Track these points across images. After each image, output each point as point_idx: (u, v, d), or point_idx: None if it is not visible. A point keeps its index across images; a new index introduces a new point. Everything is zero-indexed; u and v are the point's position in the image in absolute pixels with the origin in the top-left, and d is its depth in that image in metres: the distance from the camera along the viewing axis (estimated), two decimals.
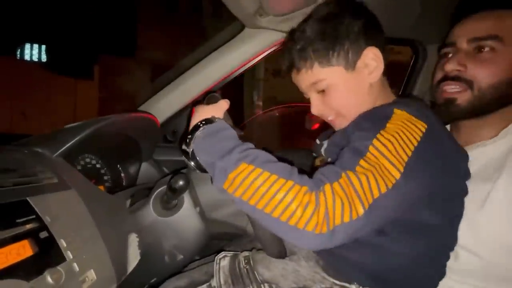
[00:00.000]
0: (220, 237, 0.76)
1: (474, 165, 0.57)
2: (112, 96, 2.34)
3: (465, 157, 0.57)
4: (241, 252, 0.66)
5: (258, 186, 0.43)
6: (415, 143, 0.47)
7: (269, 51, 0.96)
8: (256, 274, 0.60)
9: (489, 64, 0.56)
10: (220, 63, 0.96)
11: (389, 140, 0.46)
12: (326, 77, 0.57)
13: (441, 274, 0.57)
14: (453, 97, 0.59)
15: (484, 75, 0.57)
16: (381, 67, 0.58)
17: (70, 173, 0.50)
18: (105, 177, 0.75)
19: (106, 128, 0.63)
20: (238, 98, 3.12)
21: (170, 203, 0.61)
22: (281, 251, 0.59)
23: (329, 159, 0.63)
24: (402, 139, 0.47)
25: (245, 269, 0.62)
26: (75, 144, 0.55)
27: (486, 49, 0.56)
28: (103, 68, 2.53)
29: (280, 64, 0.63)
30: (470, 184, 0.56)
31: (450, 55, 0.61)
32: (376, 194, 0.43)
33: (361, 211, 0.42)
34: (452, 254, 0.57)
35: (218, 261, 0.65)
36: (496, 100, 0.57)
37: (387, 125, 0.49)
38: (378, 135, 0.47)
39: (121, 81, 2.37)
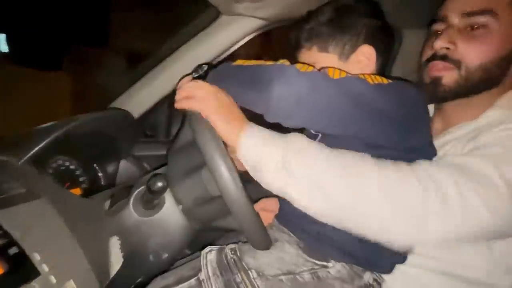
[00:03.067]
0: (206, 231, 0.76)
1: (454, 143, 0.57)
2: (85, 88, 2.21)
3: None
4: (227, 245, 0.67)
5: None
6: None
7: (247, 38, 0.93)
8: (243, 263, 0.61)
9: (480, 43, 0.54)
10: (196, 52, 0.92)
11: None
12: (320, 61, 0.60)
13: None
14: (439, 75, 0.58)
15: (473, 54, 0.55)
16: (371, 66, 0.61)
17: (39, 180, 0.47)
18: (81, 179, 0.72)
19: (77, 128, 0.60)
20: None
21: (151, 203, 0.59)
22: (267, 243, 0.59)
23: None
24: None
25: (232, 259, 0.62)
26: (43, 148, 0.52)
27: (479, 25, 0.54)
28: (75, 59, 2.37)
29: (289, 38, 0.66)
30: None
31: (441, 32, 0.59)
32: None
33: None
34: None
35: (205, 256, 0.65)
36: (483, 81, 0.56)
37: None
38: None
39: (94, 71, 2.24)
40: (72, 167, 0.70)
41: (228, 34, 0.90)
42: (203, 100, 0.50)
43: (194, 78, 0.60)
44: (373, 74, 0.53)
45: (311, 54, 0.61)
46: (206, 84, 0.53)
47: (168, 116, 1.03)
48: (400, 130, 0.51)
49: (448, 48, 0.57)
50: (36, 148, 0.50)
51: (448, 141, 0.60)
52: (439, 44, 0.57)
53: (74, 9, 2.27)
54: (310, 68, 0.48)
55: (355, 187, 0.44)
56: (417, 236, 0.46)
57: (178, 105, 0.53)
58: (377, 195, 0.44)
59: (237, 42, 0.92)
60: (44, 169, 0.62)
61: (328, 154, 0.47)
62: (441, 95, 0.59)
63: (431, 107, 0.72)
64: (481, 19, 0.54)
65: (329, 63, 0.59)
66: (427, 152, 0.58)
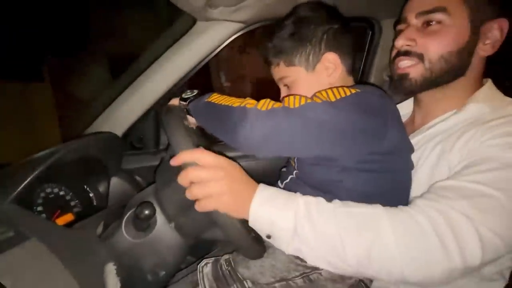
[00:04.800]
0: (201, 244, 0.77)
1: (440, 138, 0.59)
2: (68, 97, 2.15)
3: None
4: (222, 255, 0.68)
5: None
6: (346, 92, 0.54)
7: (226, 42, 0.92)
8: (238, 274, 0.63)
9: (437, 36, 0.58)
10: (176, 61, 0.91)
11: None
12: (289, 75, 0.64)
13: None
14: (406, 72, 0.61)
15: (433, 47, 0.59)
16: (338, 70, 0.63)
17: (27, 219, 0.47)
18: (72, 203, 0.72)
19: (63, 157, 0.60)
20: (206, 82, 3.00)
21: (142, 225, 0.60)
22: (259, 252, 0.61)
23: None
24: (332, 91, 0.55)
25: (227, 271, 0.64)
26: (29, 183, 0.52)
27: (434, 22, 0.58)
28: (55, 67, 2.30)
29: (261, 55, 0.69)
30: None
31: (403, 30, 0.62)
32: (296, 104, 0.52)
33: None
34: None
35: (201, 269, 0.66)
36: (446, 72, 0.59)
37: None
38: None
39: (76, 79, 2.19)
40: (61, 193, 0.70)
41: (206, 40, 0.88)
42: (213, 198, 0.49)
43: (182, 100, 0.61)
44: (338, 86, 0.55)
45: (280, 69, 0.65)
46: (207, 170, 0.49)
47: (155, 126, 1.02)
48: (368, 139, 0.53)
49: (409, 45, 0.60)
50: (21, 187, 0.50)
51: (432, 137, 0.61)
52: (400, 43, 0.61)
53: (49, 16, 2.18)
54: (271, 104, 0.50)
55: (372, 247, 0.45)
56: (439, 278, 0.45)
57: (197, 208, 0.51)
58: (393, 248, 0.44)
59: (217, 47, 0.91)
60: (32, 201, 0.62)
61: (340, 215, 0.47)
62: (410, 89, 0.63)
63: (410, 103, 0.73)
64: (435, 16, 0.58)
65: (298, 76, 0.63)
66: (404, 151, 0.60)
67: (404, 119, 0.73)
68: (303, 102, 0.50)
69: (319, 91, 0.55)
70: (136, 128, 0.99)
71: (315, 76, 0.63)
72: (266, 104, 0.51)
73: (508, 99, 0.60)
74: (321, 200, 0.49)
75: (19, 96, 2.07)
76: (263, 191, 0.50)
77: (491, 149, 0.50)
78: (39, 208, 0.63)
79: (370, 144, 0.53)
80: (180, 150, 0.51)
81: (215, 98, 0.56)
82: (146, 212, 0.52)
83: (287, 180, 0.66)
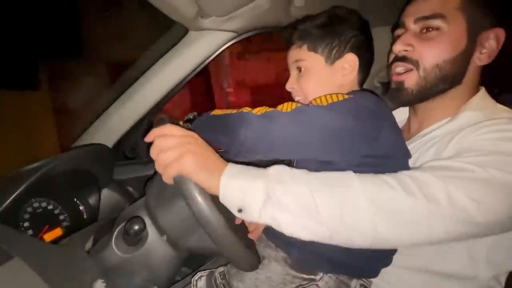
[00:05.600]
0: (194, 257, 0.76)
1: (433, 144, 0.59)
2: (66, 103, 2.12)
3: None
4: (217, 268, 0.67)
5: None
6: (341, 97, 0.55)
7: (219, 51, 0.92)
8: (232, 287, 0.61)
9: (434, 43, 0.58)
10: (168, 70, 0.91)
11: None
12: (308, 59, 0.64)
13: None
14: (401, 80, 0.62)
15: (429, 54, 0.59)
16: (353, 74, 0.64)
17: (10, 239, 0.46)
18: (61, 217, 0.70)
19: (51, 170, 0.58)
20: (207, 86, 3.00)
21: (132, 240, 0.59)
22: (252, 265, 0.59)
23: None
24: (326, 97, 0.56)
25: (221, 284, 0.63)
26: (15, 199, 0.50)
27: (432, 28, 0.58)
28: (52, 75, 2.26)
29: (282, 35, 0.70)
30: None
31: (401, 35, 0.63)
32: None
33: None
34: None
35: (195, 283, 0.65)
36: (441, 80, 0.59)
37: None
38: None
39: (74, 86, 2.16)
40: (50, 207, 0.68)
41: (198, 49, 0.88)
42: (178, 160, 0.48)
43: (185, 122, 0.62)
44: (334, 93, 0.55)
45: (300, 52, 0.65)
46: (174, 136, 0.50)
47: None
48: (361, 141, 0.53)
49: (406, 50, 0.60)
50: (6, 203, 0.48)
51: (425, 142, 0.62)
52: (398, 48, 0.61)
53: (41, 21, 2.15)
54: (264, 109, 0.53)
55: (343, 202, 0.45)
56: (407, 239, 0.47)
57: (165, 179, 0.50)
58: (365, 205, 0.44)
59: (209, 56, 0.90)
60: (19, 217, 0.61)
61: (310, 177, 0.48)
62: (406, 99, 0.63)
63: (405, 109, 0.74)
64: (433, 22, 0.58)
65: (316, 64, 0.64)
66: (400, 155, 0.60)
67: (399, 125, 0.73)
68: (294, 106, 0.52)
69: (314, 99, 0.56)
70: (129, 137, 0.98)
71: (331, 72, 0.64)
72: (261, 109, 0.53)
73: (500, 106, 0.60)
74: (291, 168, 0.50)
75: (15, 105, 2.03)
76: (233, 165, 0.50)
77: (480, 142, 0.50)
78: (26, 224, 0.62)
79: (363, 146, 0.53)
80: None
81: (215, 112, 0.59)
82: (136, 227, 0.50)
83: None
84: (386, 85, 0.70)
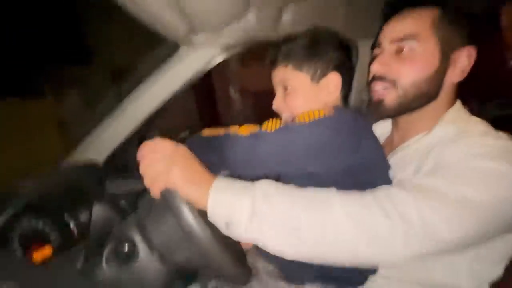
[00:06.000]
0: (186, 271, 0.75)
1: (413, 157, 0.61)
2: (73, 112, 2.07)
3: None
4: (210, 281, 0.67)
5: None
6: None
7: (210, 66, 0.93)
8: None
9: (409, 63, 0.60)
10: (160, 86, 0.91)
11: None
12: (293, 78, 0.67)
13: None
14: (381, 98, 0.64)
15: (405, 74, 0.61)
16: (336, 92, 0.68)
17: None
18: (52, 235, 0.69)
19: (42, 189, 0.58)
20: (210, 94, 2.99)
21: (123, 258, 0.58)
22: (243, 279, 0.59)
23: None
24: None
25: None
26: (3, 220, 0.50)
27: (406, 49, 0.61)
28: (58, 82, 2.20)
29: (267, 56, 0.72)
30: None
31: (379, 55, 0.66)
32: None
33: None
34: None
35: None
36: (418, 97, 0.62)
37: None
38: None
39: (81, 95, 2.13)
40: (40, 225, 0.67)
41: (190, 64, 0.89)
42: (165, 174, 0.49)
43: (180, 140, 0.62)
44: (315, 110, 0.58)
45: (286, 71, 0.68)
46: (161, 150, 0.51)
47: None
48: (341, 154, 0.56)
49: (383, 71, 0.63)
50: None
51: (406, 155, 0.64)
52: (375, 68, 0.64)
53: (50, 28, 2.11)
54: (250, 128, 0.56)
55: (324, 222, 0.47)
56: (385, 258, 0.49)
57: (153, 193, 0.51)
58: (344, 223, 0.46)
59: (201, 71, 0.91)
60: (7, 238, 0.60)
61: (296, 195, 0.50)
62: (386, 114, 0.66)
63: (389, 122, 0.76)
64: (407, 43, 0.60)
65: (301, 83, 0.67)
66: (380, 166, 0.63)
67: (383, 138, 0.76)
68: (277, 126, 0.56)
69: (297, 116, 0.58)
70: (121, 151, 0.98)
71: (316, 90, 0.67)
72: (247, 129, 0.56)
73: (473, 118, 0.62)
74: (277, 183, 0.51)
75: (21, 113, 1.97)
76: (221, 180, 0.51)
77: (455, 159, 0.52)
78: (15, 244, 0.61)
79: (344, 158, 0.57)
80: None
81: (205, 132, 0.62)
82: (125, 249, 0.50)
83: None
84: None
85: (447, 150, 0.55)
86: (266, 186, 0.50)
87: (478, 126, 0.59)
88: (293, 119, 0.67)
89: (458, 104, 0.65)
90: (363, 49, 1.01)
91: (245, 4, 0.75)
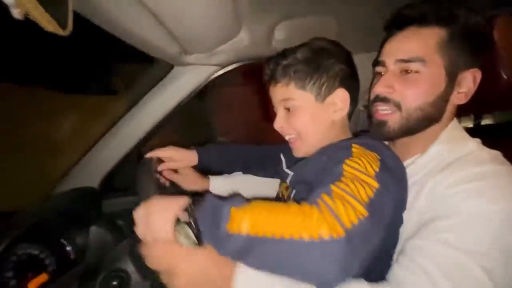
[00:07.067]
0: None
1: (409, 179, 0.60)
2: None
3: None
4: None
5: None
6: (378, 163, 0.52)
7: (204, 83, 0.93)
8: None
9: (414, 86, 0.58)
10: (154, 105, 0.92)
11: (357, 162, 0.51)
12: (296, 98, 0.62)
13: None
14: (384, 119, 0.62)
15: (410, 97, 0.58)
16: (345, 109, 0.64)
17: None
18: (47, 261, 0.69)
19: (38, 217, 0.58)
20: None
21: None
22: None
23: (293, 192, 0.64)
24: (367, 160, 0.52)
25: None
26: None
27: (411, 71, 0.58)
28: (128, 80, 2.11)
29: (264, 71, 0.66)
30: None
31: (382, 73, 0.63)
32: (367, 198, 0.45)
33: (364, 212, 0.43)
34: None
35: None
36: (421, 121, 0.60)
37: (352, 151, 0.54)
38: (347, 160, 0.52)
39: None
40: (35, 252, 0.68)
41: (184, 84, 0.89)
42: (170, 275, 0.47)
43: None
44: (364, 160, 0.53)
45: (287, 91, 0.62)
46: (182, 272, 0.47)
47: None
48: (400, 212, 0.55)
49: (387, 92, 0.60)
50: None
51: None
52: (379, 90, 0.61)
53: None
54: (332, 226, 0.43)
55: None
56: None
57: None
58: None
59: (195, 90, 0.92)
60: (2, 267, 0.60)
61: None
62: (388, 135, 0.63)
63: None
64: (413, 65, 0.58)
65: (305, 102, 0.62)
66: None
67: None
68: (354, 219, 0.42)
69: (350, 159, 0.52)
70: (117, 171, 0.98)
71: (322, 109, 0.62)
72: (235, 225, 0.42)
73: (467, 137, 0.61)
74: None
75: (95, 111, 1.87)
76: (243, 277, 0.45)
77: (451, 199, 0.51)
78: (9, 274, 0.61)
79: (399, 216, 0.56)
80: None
81: (254, 222, 0.43)
82: (114, 283, 0.50)
83: None
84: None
85: (445, 184, 0.53)
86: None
87: (469, 144, 0.58)
88: (298, 137, 0.64)
89: (454, 122, 0.63)
90: (359, 63, 0.99)
91: (237, 25, 0.75)
